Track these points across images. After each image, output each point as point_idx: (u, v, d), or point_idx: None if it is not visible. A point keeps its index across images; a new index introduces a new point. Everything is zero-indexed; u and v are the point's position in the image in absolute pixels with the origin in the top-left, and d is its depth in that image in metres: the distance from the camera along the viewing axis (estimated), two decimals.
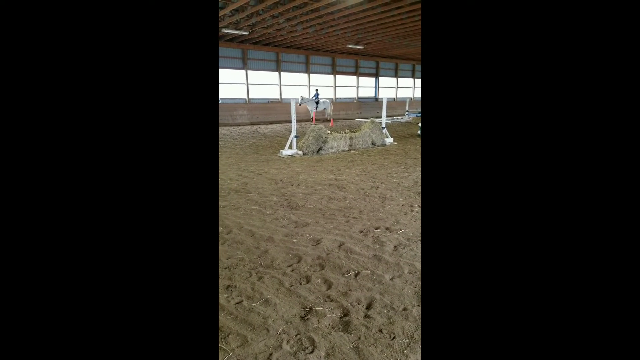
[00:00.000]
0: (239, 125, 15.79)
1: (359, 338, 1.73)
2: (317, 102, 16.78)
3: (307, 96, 18.30)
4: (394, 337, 1.75)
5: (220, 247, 2.83)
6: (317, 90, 17.33)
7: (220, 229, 3.24)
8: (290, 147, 7.48)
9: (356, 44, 16.36)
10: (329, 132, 8.01)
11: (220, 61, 15.94)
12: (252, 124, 16.27)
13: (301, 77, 19.10)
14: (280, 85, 18.32)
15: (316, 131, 7.71)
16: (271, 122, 16.84)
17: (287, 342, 1.72)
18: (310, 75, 19.35)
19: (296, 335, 1.76)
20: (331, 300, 2.07)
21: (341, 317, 1.91)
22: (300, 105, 16.35)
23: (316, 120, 17.30)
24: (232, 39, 15.29)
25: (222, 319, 1.90)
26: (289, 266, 2.51)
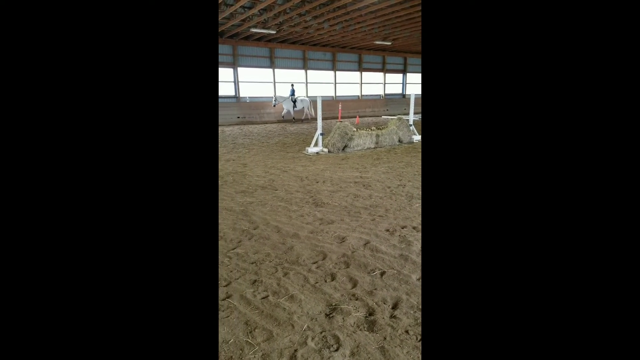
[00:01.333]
0: (266, 123, 16.01)
1: (385, 338, 1.70)
2: (295, 101, 15.43)
3: (304, 95, 17.51)
4: (420, 339, 1.70)
5: (247, 242, 2.88)
6: (292, 86, 15.80)
7: (247, 224, 3.30)
8: (316, 144, 7.49)
9: (383, 40, 16.11)
10: (355, 129, 7.95)
11: (249, 60, 16.22)
12: (279, 122, 16.44)
13: (327, 75, 19.07)
14: (307, 83, 18.38)
15: (342, 129, 7.67)
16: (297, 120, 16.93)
17: (312, 338, 1.72)
18: (337, 72, 19.28)
19: (321, 333, 1.76)
20: (356, 299, 2.05)
21: (366, 316, 1.89)
22: (275, 106, 15.47)
23: (296, 120, 16.14)
24: (260, 38, 15.50)
25: (249, 313, 1.94)
26: (314, 263, 2.51)
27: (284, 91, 17.39)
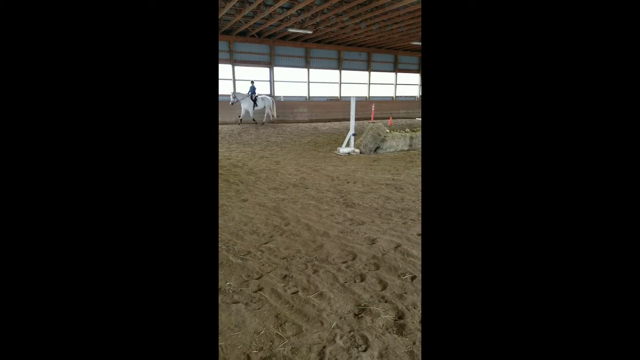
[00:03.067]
0: (299, 122, 16.19)
1: (414, 343, 1.68)
2: (255, 100, 13.40)
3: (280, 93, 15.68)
4: None
5: (278, 238, 2.95)
6: (252, 83, 13.94)
7: (279, 220, 3.37)
8: (348, 145, 7.48)
9: (420, 40, 15.76)
10: (388, 130, 7.85)
11: (285, 60, 16.47)
12: (311, 121, 16.57)
13: (362, 75, 18.96)
14: (341, 83, 18.38)
15: (374, 130, 7.60)
16: (329, 120, 16.99)
17: (341, 337, 1.73)
18: (372, 73, 19.12)
19: (350, 332, 1.77)
20: (386, 301, 2.04)
21: (396, 320, 1.87)
22: (232, 104, 13.38)
23: (257, 122, 14.31)
24: (297, 39, 15.69)
25: (279, 306, 1.98)
26: (344, 262, 2.52)
27: (316, 91, 17.48)
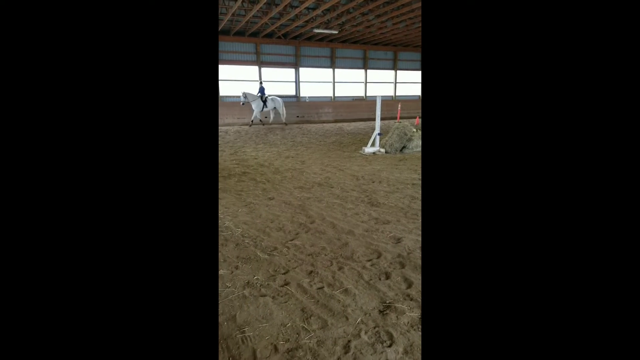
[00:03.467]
0: (324, 122, 16.26)
1: None
2: (265, 101, 13.12)
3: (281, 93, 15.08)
4: None
5: (304, 235, 3.00)
6: (261, 84, 13.65)
7: (304, 218, 3.43)
8: (373, 144, 7.44)
9: None
10: (415, 130, 7.74)
11: (310, 60, 16.59)
12: (336, 121, 16.59)
13: (388, 74, 18.75)
14: (366, 82, 18.28)
15: (400, 129, 7.52)
16: (354, 120, 16.94)
17: (366, 332, 1.76)
18: (398, 72, 18.87)
19: (374, 328, 1.79)
20: (411, 299, 2.04)
21: (421, 317, 1.87)
22: (243, 104, 13.18)
23: (264, 123, 13.95)
24: (322, 39, 15.76)
25: (305, 301, 2.03)
26: (369, 260, 2.54)
27: (341, 91, 17.47)
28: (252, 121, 13.66)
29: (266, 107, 13.10)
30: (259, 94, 13.07)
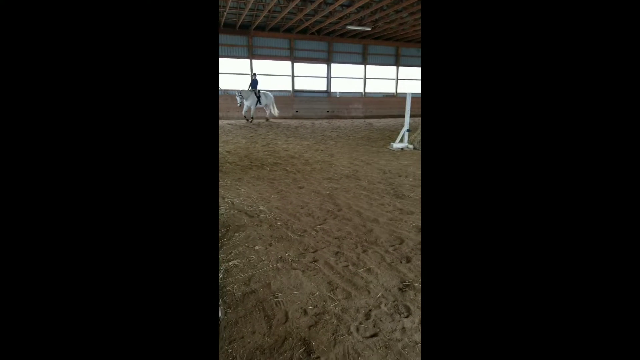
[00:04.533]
0: (353, 118, 16.36)
1: None
2: (259, 96, 12.37)
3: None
4: None
5: (331, 221, 3.22)
6: (254, 76, 12.76)
7: (332, 206, 3.64)
8: (402, 140, 7.51)
9: None
10: None
11: (342, 56, 16.70)
12: (366, 117, 16.63)
13: (419, 72, 18.48)
14: (397, 79, 18.14)
15: None
16: (384, 116, 16.90)
17: (385, 304, 1.95)
18: None
19: (394, 301, 1.98)
20: None
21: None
22: (240, 105, 12.40)
23: (253, 119, 12.82)
24: (355, 35, 15.81)
25: (331, 275, 2.25)
26: (392, 246, 2.71)
27: (372, 87, 17.42)
28: (247, 117, 12.82)
29: (260, 103, 12.47)
30: (251, 88, 12.35)
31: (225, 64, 14.36)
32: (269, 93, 13.22)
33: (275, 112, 13.26)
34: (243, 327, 1.76)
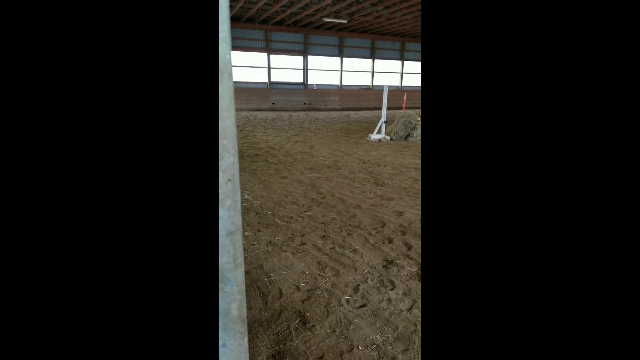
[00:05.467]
0: (330, 110, 16.48)
1: None
2: None
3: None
4: None
5: (316, 208, 3.35)
6: None
7: (316, 194, 3.77)
8: (379, 132, 7.73)
9: None
10: (419, 119, 8.01)
11: (319, 49, 16.72)
12: (343, 109, 16.81)
13: (395, 64, 18.85)
14: (373, 72, 18.40)
15: (406, 117, 7.80)
16: (361, 109, 17.14)
17: (371, 280, 2.11)
18: (405, 62, 18.95)
19: (379, 277, 2.14)
20: (410, 258, 2.38)
21: (418, 272, 2.22)
22: None
23: None
24: (331, 28, 15.86)
25: (320, 256, 2.38)
26: (374, 229, 2.88)
27: (348, 80, 17.58)
28: None
29: None
30: None
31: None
32: None
33: None
34: None
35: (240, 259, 0.39)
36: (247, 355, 0.43)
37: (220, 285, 0.39)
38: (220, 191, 0.36)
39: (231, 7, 12.22)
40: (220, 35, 0.42)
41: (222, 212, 0.36)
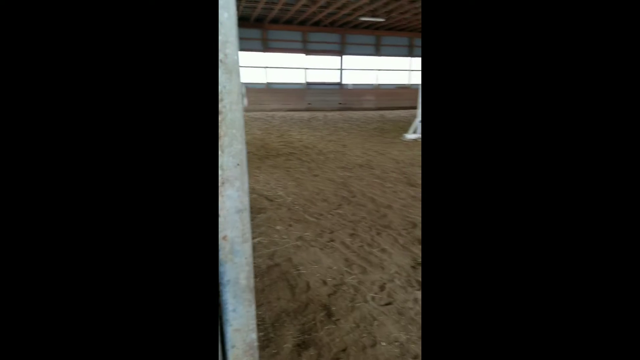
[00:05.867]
0: (365, 110, 16.38)
1: None
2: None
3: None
4: None
5: (346, 206, 3.38)
6: None
7: (346, 193, 3.80)
8: (415, 131, 7.58)
9: None
10: None
11: (355, 48, 16.67)
12: (378, 109, 16.63)
13: None
14: (410, 70, 18.02)
15: None
16: (397, 108, 16.86)
17: (398, 279, 2.11)
18: None
19: (406, 277, 2.13)
20: None
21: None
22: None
23: None
24: (368, 26, 15.75)
25: (348, 253, 2.42)
26: (404, 229, 2.86)
27: (385, 79, 17.34)
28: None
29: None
30: None
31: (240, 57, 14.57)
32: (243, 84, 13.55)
33: (245, 102, 13.51)
34: (269, 294, 1.95)
35: (248, 235, 0.44)
36: (255, 322, 0.48)
37: (230, 256, 0.44)
38: (229, 174, 0.41)
39: (270, 9, 12.54)
40: (229, 40, 0.48)
41: (231, 192, 0.41)
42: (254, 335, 0.45)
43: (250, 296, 0.46)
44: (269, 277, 2.12)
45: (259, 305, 1.84)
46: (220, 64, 0.51)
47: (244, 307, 0.45)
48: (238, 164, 0.40)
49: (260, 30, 14.73)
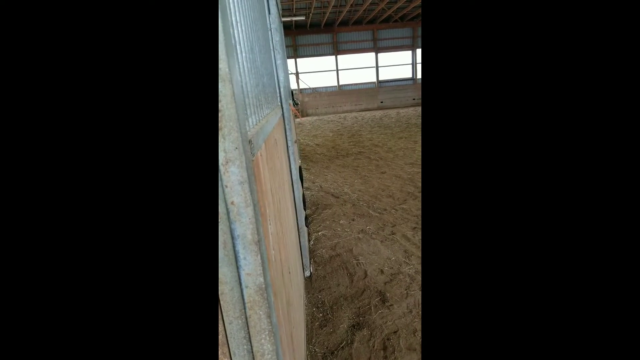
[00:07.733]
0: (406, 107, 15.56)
1: None
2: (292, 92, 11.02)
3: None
4: None
5: (411, 201, 3.39)
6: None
7: (412, 188, 3.79)
8: None
9: None
10: None
11: (390, 42, 15.97)
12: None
13: None
14: None
15: None
16: None
17: None
18: None
19: None
20: None
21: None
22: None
23: None
24: (403, 17, 14.99)
25: (407, 245, 2.47)
26: None
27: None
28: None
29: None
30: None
31: (312, 63, 15.20)
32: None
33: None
34: (330, 280, 2.14)
35: (249, 201, 0.59)
36: (262, 268, 0.63)
37: (237, 217, 0.60)
38: (231, 155, 0.56)
39: (338, 13, 12.85)
40: (221, 57, 0.60)
41: (233, 169, 0.56)
42: (261, 279, 0.61)
43: (255, 248, 0.61)
44: (330, 265, 2.31)
45: (320, 291, 2.04)
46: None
47: (252, 256, 0.61)
48: (236, 148, 0.56)
49: (330, 34, 15.16)
